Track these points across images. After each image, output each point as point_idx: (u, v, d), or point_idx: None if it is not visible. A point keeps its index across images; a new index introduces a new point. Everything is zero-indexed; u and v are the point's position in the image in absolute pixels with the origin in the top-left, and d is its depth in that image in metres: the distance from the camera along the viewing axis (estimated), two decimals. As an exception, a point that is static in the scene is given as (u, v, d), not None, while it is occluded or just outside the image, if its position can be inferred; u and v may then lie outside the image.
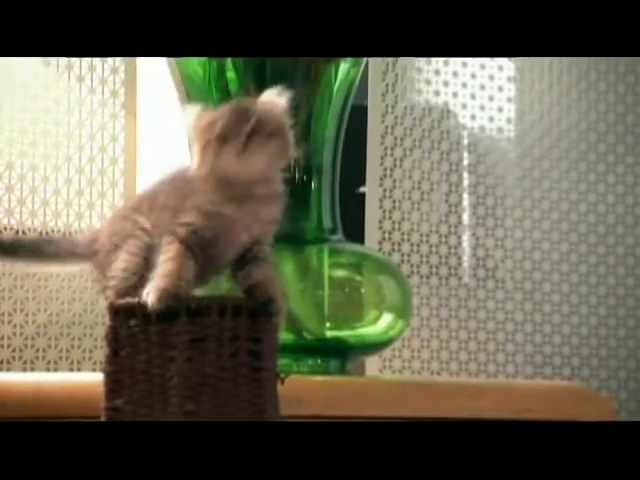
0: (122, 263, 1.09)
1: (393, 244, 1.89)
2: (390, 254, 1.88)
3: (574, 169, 1.99)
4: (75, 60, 1.74)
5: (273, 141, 1.06)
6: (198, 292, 1.09)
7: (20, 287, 1.69)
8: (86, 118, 1.75)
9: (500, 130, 1.96)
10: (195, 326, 1.04)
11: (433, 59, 1.92)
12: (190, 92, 1.53)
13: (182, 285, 1.04)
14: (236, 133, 1.04)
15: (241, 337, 1.05)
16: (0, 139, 1.70)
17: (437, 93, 1.93)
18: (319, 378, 1.41)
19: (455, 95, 1.94)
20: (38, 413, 1.23)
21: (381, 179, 1.89)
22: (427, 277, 1.90)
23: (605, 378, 1.96)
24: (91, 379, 1.19)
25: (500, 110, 1.96)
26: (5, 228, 1.69)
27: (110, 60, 1.76)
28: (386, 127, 1.90)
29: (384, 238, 1.89)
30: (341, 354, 1.51)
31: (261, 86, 1.46)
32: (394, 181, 1.90)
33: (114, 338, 1.06)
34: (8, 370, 1.67)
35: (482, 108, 1.95)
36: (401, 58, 1.89)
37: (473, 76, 1.95)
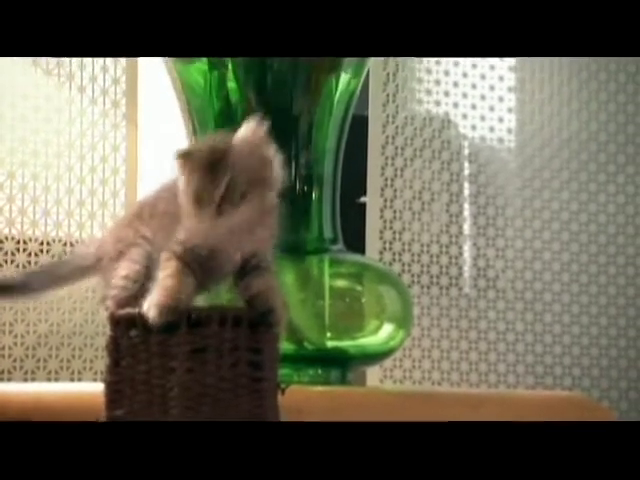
0: (123, 270, 1.09)
1: (394, 254, 1.89)
2: (391, 264, 1.88)
3: (575, 179, 1.99)
4: (76, 70, 1.75)
5: (253, 194, 1.03)
6: (199, 302, 1.09)
7: (21, 297, 1.69)
8: (87, 128, 1.75)
9: (501, 140, 1.96)
10: (195, 336, 1.04)
11: (434, 69, 1.92)
12: (191, 102, 1.53)
13: (182, 300, 1.04)
14: (210, 197, 1.02)
15: (241, 347, 1.05)
16: (1, 149, 1.70)
17: (438, 103, 1.93)
18: (320, 388, 1.41)
19: (456, 105, 1.94)
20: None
21: (382, 189, 1.89)
22: (428, 287, 1.90)
23: (606, 388, 1.96)
24: (92, 389, 1.18)
25: (501, 120, 1.96)
26: (6, 238, 1.69)
27: (111, 70, 1.77)
28: (387, 137, 1.90)
29: (385, 248, 1.89)
30: (342, 364, 1.51)
31: (262, 96, 1.49)
32: (395, 191, 1.90)
33: (115, 348, 1.06)
34: (9, 380, 1.67)
35: (483, 118, 1.95)
36: (401, 68, 1.90)
37: (474, 86, 1.95)
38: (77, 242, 1.72)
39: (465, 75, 1.95)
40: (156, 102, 1.82)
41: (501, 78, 1.97)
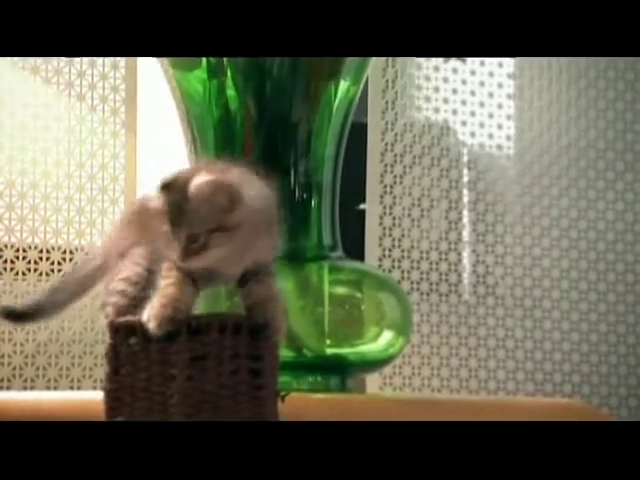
0: (124, 273, 1.09)
1: (393, 261, 1.89)
2: (390, 271, 1.88)
3: (573, 186, 2.00)
4: (75, 78, 1.75)
5: (217, 240, 1.02)
6: (198, 310, 1.09)
7: (20, 305, 1.69)
8: (86, 136, 1.75)
9: (500, 147, 1.97)
10: (195, 344, 1.04)
11: (433, 76, 1.93)
12: (190, 110, 1.53)
13: (182, 310, 1.04)
14: (178, 240, 1.02)
15: (241, 355, 1.05)
16: (1, 157, 1.70)
17: (437, 110, 1.93)
18: (319, 395, 1.40)
19: (455, 112, 1.94)
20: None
21: (381, 196, 1.89)
22: (427, 294, 1.90)
23: (606, 395, 1.96)
24: (91, 397, 1.18)
25: (500, 127, 1.97)
26: (5, 246, 1.69)
27: (111, 78, 1.77)
28: (386, 144, 1.90)
29: (384, 255, 1.89)
30: (341, 371, 1.51)
31: (261, 104, 1.49)
32: (394, 198, 1.90)
33: (114, 356, 1.06)
34: (8, 388, 1.67)
35: (482, 125, 1.96)
36: (400, 75, 1.90)
37: (473, 93, 1.95)
38: (76, 250, 1.73)
39: (464, 82, 1.95)
40: (155, 110, 1.82)
41: (500, 85, 1.97)
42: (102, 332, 1.62)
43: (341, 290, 1.55)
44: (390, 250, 1.89)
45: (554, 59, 1.98)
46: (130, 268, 1.09)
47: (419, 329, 1.87)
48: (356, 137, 1.67)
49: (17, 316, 1.18)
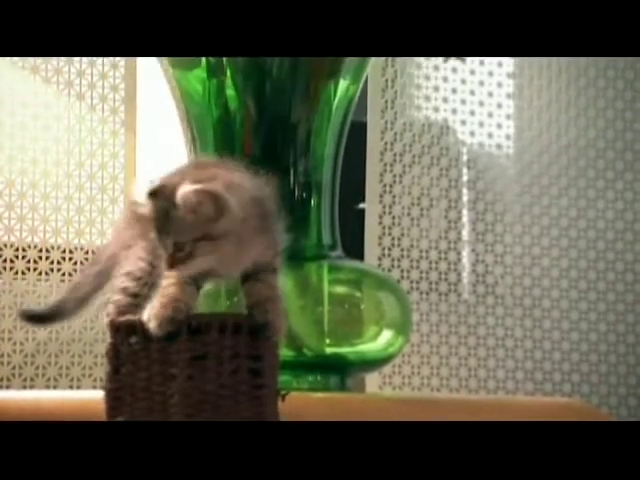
0: (128, 266, 1.09)
1: (393, 260, 1.89)
2: (390, 270, 1.88)
3: (573, 185, 2.00)
4: (75, 77, 1.75)
5: (204, 247, 1.02)
6: (199, 309, 1.09)
7: (20, 304, 1.69)
8: (86, 135, 1.75)
9: (499, 146, 1.97)
10: (196, 344, 1.04)
11: (432, 75, 1.93)
12: (190, 109, 1.53)
13: (183, 310, 1.04)
14: (165, 249, 1.02)
15: (241, 354, 1.05)
16: (0, 157, 1.70)
17: (436, 109, 1.93)
18: (319, 395, 1.41)
19: (454, 111, 1.94)
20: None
21: (380, 195, 1.89)
22: (427, 293, 1.90)
23: (605, 394, 1.96)
24: (91, 396, 1.18)
25: (499, 126, 1.97)
26: (5, 245, 1.69)
27: (110, 78, 1.77)
28: (385, 143, 1.91)
29: (384, 254, 1.89)
30: (341, 371, 1.51)
31: (260, 104, 1.49)
32: (393, 197, 1.90)
33: (115, 355, 1.06)
34: (8, 387, 1.67)
35: (481, 124, 1.96)
36: (400, 74, 1.90)
37: (472, 93, 1.95)
38: (76, 249, 1.73)
39: (464, 81, 1.95)
40: (155, 109, 1.82)
41: (500, 84, 1.97)
42: (102, 331, 1.62)
43: (340, 289, 1.55)
44: (389, 249, 1.89)
45: (554, 58, 1.98)
46: (133, 263, 1.09)
47: (419, 328, 1.87)
48: (355, 136, 1.67)
49: (38, 318, 1.18)
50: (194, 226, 1.00)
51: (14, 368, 1.68)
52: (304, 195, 1.52)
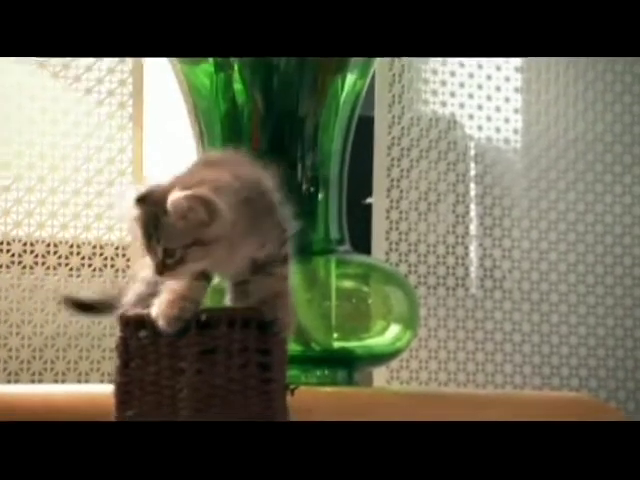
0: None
1: (400, 255, 1.89)
2: (397, 265, 1.88)
3: (581, 180, 1.99)
4: (83, 72, 1.75)
5: (196, 252, 1.01)
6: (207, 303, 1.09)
7: (29, 299, 1.69)
8: (94, 130, 1.75)
9: (507, 141, 1.96)
10: (204, 338, 1.04)
11: (440, 70, 1.92)
12: (197, 104, 1.53)
13: (190, 308, 1.03)
14: (154, 256, 1.02)
15: (250, 349, 1.05)
16: (9, 151, 1.70)
17: (444, 104, 1.93)
18: (327, 389, 1.41)
19: (462, 106, 1.94)
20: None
21: (388, 190, 1.89)
22: (434, 288, 1.90)
23: (613, 389, 1.96)
24: (99, 390, 1.19)
25: (507, 121, 1.96)
26: (13, 240, 1.69)
27: (118, 72, 1.77)
28: (393, 138, 1.90)
29: (391, 249, 1.89)
30: (348, 365, 1.51)
31: (268, 98, 1.49)
32: (401, 192, 1.90)
33: (124, 349, 1.06)
34: (17, 382, 1.67)
35: (489, 119, 1.95)
36: (407, 69, 1.90)
37: (480, 87, 1.95)
38: (83, 243, 1.73)
39: (471, 76, 1.95)
40: (162, 103, 1.82)
41: (507, 79, 1.97)
42: (110, 325, 1.62)
43: (348, 284, 1.55)
44: (397, 244, 1.89)
45: (562, 52, 1.98)
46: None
47: (426, 323, 1.87)
48: (363, 131, 1.67)
49: (84, 307, 1.16)
50: (185, 232, 1.00)
51: (22, 362, 1.68)
52: (311, 189, 1.52)
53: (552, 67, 1.99)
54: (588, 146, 2.00)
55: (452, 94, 1.93)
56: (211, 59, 1.49)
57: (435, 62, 1.93)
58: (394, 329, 1.52)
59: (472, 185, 1.94)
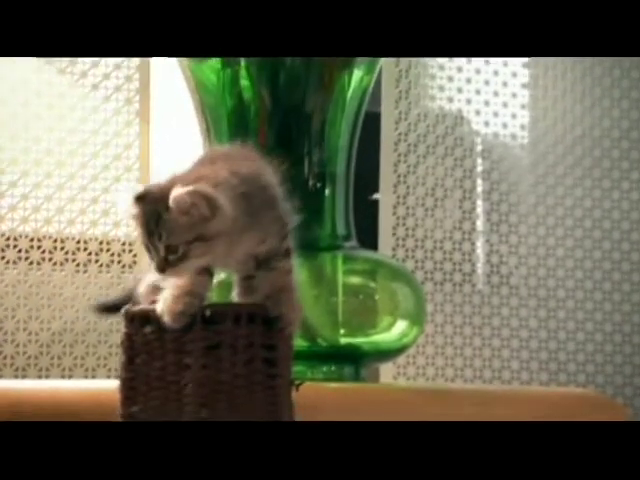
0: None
1: (407, 250, 1.89)
2: (404, 261, 1.88)
3: (588, 176, 1.99)
4: (90, 68, 1.75)
5: (198, 248, 1.01)
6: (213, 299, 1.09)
7: (35, 295, 1.69)
8: (100, 126, 1.75)
9: (514, 136, 1.96)
10: (210, 333, 1.04)
11: (447, 65, 1.92)
12: (204, 99, 1.53)
13: (194, 304, 1.03)
14: (156, 254, 1.02)
15: (256, 344, 1.05)
16: (16, 147, 1.70)
17: (451, 100, 1.93)
18: (333, 385, 1.41)
19: (469, 101, 1.94)
20: (53, 420, 1.23)
21: (395, 186, 1.89)
22: (441, 283, 1.90)
23: (620, 385, 1.95)
24: (106, 386, 1.19)
25: (514, 116, 1.96)
26: (20, 236, 1.70)
27: (124, 68, 1.77)
28: (399, 134, 1.90)
29: (398, 245, 1.89)
30: (355, 361, 1.51)
31: (275, 94, 1.49)
32: (408, 188, 1.90)
33: (129, 345, 1.06)
34: (24, 377, 1.67)
35: (496, 114, 1.95)
36: (414, 65, 1.90)
37: (487, 83, 1.95)
38: (90, 239, 1.73)
39: (478, 71, 1.94)
40: (169, 99, 1.82)
41: (514, 74, 1.97)
42: (116, 321, 1.62)
43: (355, 280, 1.55)
44: (404, 240, 1.89)
45: (569, 48, 1.98)
46: None
47: (433, 319, 1.87)
48: (370, 127, 1.67)
49: (113, 309, 1.17)
50: (188, 228, 1.00)
51: (30, 358, 1.69)
52: (318, 185, 1.52)
53: (559, 63, 1.99)
54: (595, 142, 2.00)
55: (459, 90, 1.93)
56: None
57: (442, 58, 1.92)
58: (401, 325, 1.52)
59: (479, 181, 1.94)
